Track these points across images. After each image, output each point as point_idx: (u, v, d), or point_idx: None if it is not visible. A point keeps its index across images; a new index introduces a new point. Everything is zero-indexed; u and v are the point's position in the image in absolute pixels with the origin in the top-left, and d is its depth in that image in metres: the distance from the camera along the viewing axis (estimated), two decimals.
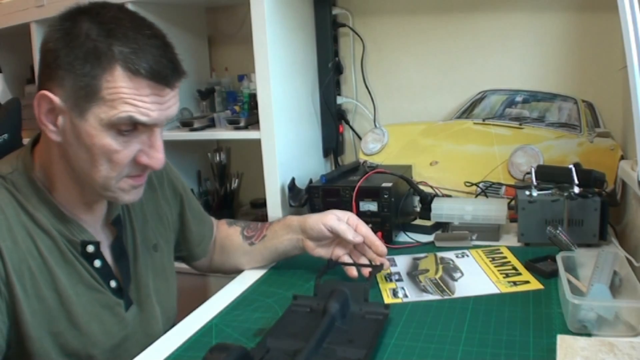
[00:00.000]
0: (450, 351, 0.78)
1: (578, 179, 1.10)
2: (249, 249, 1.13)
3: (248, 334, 0.87)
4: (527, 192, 1.14)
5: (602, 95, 1.44)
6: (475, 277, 1.02)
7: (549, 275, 0.99)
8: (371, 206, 1.23)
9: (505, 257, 1.11)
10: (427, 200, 1.31)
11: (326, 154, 1.66)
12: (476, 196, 1.41)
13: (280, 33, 1.36)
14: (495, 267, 1.06)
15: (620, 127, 1.40)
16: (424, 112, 1.62)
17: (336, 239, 1.06)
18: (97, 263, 0.87)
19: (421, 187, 1.37)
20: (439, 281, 1.02)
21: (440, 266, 1.09)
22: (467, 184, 1.43)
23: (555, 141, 1.41)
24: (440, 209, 1.27)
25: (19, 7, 1.68)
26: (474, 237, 1.22)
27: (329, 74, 1.60)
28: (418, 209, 1.35)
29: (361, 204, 1.24)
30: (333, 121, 1.62)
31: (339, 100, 1.67)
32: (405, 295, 0.97)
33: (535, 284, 0.97)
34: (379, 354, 0.78)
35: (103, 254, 0.89)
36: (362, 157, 1.59)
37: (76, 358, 0.84)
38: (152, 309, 0.96)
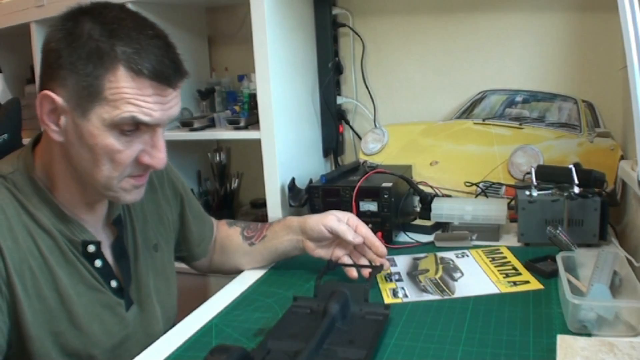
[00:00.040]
0: (450, 351, 0.78)
1: (578, 179, 1.10)
2: (249, 250, 1.13)
3: (248, 334, 0.87)
4: (527, 192, 1.14)
5: (602, 95, 1.44)
6: (475, 277, 1.02)
7: (549, 275, 0.99)
8: (371, 206, 1.23)
9: (505, 257, 1.11)
10: (427, 200, 1.31)
11: (326, 154, 1.66)
12: (476, 196, 1.41)
13: (280, 33, 1.36)
14: (495, 267, 1.06)
15: (620, 127, 1.40)
16: (424, 112, 1.62)
17: (336, 239, 1.06)
18: (98, 263, 0.88)
19: (421, 187, 1.37)
20: (439, 281, 1.02)
21: (440, 266, 1.09)
22: (467, 184, 1.43)
23: (555, 141, 1.41)
24: (440, 209, 1.27)
25: (19, 7, 1.68)
26: (474, 237, 1.22)
27: (329, 74, 1.60)
28: (418, 209, 1.35)
29: (361, 204, 1.24)
30: (333, 121, 1.62)
31: (339, 100, 1.67)
32: (405, 295, 0.97)
33: (535, 284, 0.97)
34: (379, 354, 0.78)
35: (104, 254, 0.89)
36: (362, 157, 1.59)
37: (77, 358, 0.84)
38: (153, 308, 0.96)
